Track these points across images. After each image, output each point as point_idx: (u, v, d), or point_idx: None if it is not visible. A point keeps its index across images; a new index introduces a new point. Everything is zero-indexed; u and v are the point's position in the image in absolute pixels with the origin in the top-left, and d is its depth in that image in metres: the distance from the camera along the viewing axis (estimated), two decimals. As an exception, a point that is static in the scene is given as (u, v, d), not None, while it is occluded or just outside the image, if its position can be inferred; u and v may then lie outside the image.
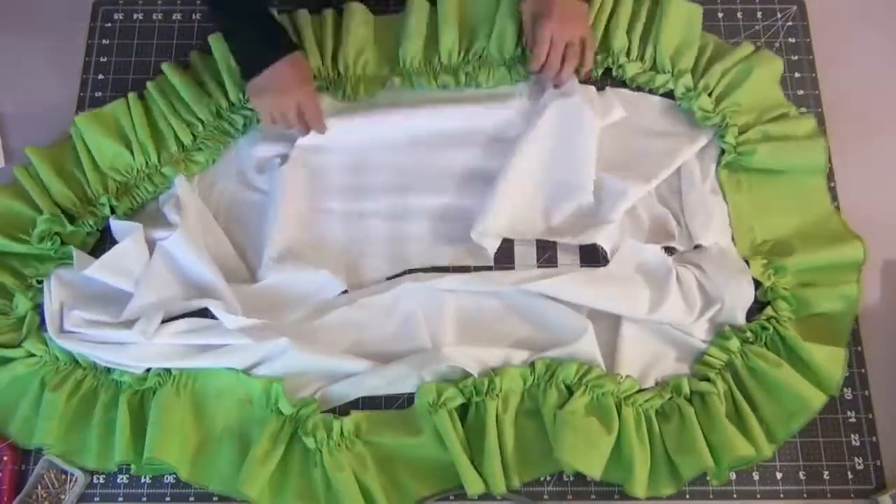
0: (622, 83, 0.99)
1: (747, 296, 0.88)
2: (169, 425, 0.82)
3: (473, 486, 0.80)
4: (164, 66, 0.96)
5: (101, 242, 0.94)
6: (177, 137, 0.94)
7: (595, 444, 0.80)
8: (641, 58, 0.97)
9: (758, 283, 0.89)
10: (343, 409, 0.86)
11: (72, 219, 0.92)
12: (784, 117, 0.95)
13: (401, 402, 0.87)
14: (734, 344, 0.85)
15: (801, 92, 0.99)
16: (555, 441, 0.81)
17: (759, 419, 0.83)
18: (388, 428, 0.85)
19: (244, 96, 0.94)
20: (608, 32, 0.97)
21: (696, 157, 0.94)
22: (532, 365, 0.85)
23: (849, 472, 0.85)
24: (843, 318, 0.88)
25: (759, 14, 1.03)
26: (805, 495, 0.84)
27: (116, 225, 0.91)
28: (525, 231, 0.92)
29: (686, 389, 0.84)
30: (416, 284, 0.88)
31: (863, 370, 0.88)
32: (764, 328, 0.86)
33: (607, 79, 0.98)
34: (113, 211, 0.92)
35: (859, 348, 0.89)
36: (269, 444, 0.82)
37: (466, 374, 0.85)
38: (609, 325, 0.88)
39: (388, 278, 0.91)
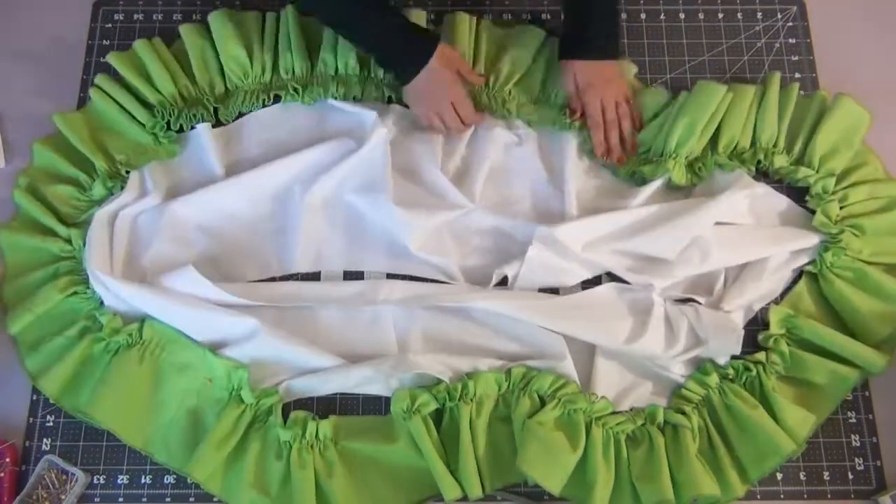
0: (764, 174, 0.95)
1: (733, 350, 0.86)
2: (117, 388, 0.82)
3: (450, 491, 0.80)
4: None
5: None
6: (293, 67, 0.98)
7: (557, 459, 0.79)
8: (789, 150, 0.93)
9: (766, 326, 0.88)
10: (323, 413, 0.86)
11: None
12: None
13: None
14: (713, 380, 0.84)
15: (801, 92, 0.99)
16: (519, 450, 0.80)
17: (733, 457, 0.82)
18: (366, 434, 0.84)
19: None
20: (759, 125, 0.93)
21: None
22: (508, 371, 0.84)
23: (849, 473, 0.85)
24: (832, 395, 0.86)
25: (759, 14, 1.03)
26: (805, 495, 0.84)
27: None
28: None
29: (660, 419, 0.83)
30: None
31: (863, 370, 0.88)
32: (747, 369, 0.85)
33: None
34: (216, 111, 0.97)
35: (859, 349, 0.88)
36: (225, 431, 0.82)
37: (439, 380, 0.84)
38: (585, 350, 0.87)
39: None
